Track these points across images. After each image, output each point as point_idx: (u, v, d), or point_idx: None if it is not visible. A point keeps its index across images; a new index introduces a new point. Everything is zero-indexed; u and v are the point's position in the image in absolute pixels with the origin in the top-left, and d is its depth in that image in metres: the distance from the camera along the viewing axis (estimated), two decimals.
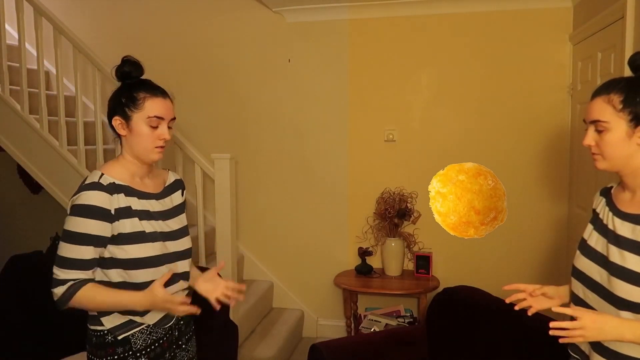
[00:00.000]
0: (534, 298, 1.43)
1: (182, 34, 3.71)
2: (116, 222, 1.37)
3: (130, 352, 1.41)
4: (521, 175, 3.27)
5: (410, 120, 3.41)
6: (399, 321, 3.23)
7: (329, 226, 3.59)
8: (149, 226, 1.43)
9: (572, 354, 1.35)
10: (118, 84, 1.50)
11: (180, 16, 3.70)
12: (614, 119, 1.18)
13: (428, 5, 3.28)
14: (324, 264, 3.61)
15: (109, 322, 1.41)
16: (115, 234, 1.37)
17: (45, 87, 3.07)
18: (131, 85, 1.44)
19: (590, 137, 1.24)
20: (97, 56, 3.00)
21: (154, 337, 1.46)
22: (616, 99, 1.18)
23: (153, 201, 1.49)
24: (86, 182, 1.38)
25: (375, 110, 3.45)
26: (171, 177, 1.62)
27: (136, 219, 1.40)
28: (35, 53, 3.09)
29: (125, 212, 1.39)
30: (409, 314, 3.35)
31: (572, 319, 1.15)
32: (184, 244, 1.53)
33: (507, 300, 1.47)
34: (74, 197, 1.36)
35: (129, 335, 1.41)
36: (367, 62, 3.44)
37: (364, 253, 3.40)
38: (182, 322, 1.60)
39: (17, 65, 3.11)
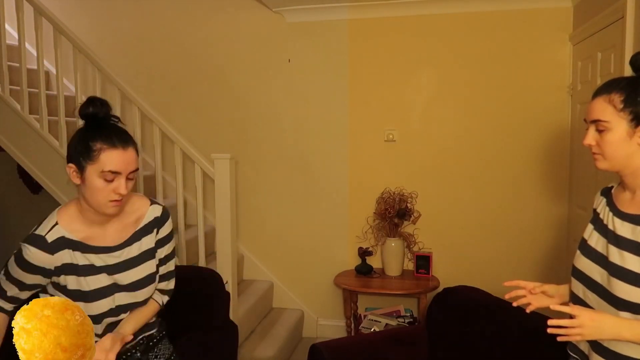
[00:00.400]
0: (534, 296, 1.43)
1: (182, 34, 3.71)
2: (55, 278, 1.36)
3: None
4: (521, 175, 3.28)
5: (410, 120, 3.41)
6: (399, 321, 3.23)
7: (329, 226, 3.59)
8: (95, 282, 1.37)
9: (571, 354, 1.35)
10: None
11: (180, 16, 3.70)
12: (614, 118, 1.18)
13: (428, 5, 3.28)
14: (324, 264, 3.61)
15: None
16: (59, 284, 1.37)
17: (45, 87, 3.07)
18: (91, 130, 1.30)
19: (590, 137, 1.23)
20: (97, 56, 3.01)
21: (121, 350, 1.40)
22: (617, 98, 1.18)
23: (110, 254, 1.40)
24: (36, 232, 1.34)
25: (375, 110, 3.45)
26: (150, 215, 1.47)
27: (82, 278, 1.36)
28: (35, 53, 3.09)
29: (70, 269, 1.35)
30: (409, 314, 3.35)
31: (571, 317, 1.15)
32: (139, 296, 1.44)
33: (507, 296, 1.47)
34: (22, 242, 1.34)
35: None
36: (367, 62, 3.44)
37: (364, 253, 3.40)
38: (142, 342, 1.55)
39: (17, 65, 3.10)
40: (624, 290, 1.14)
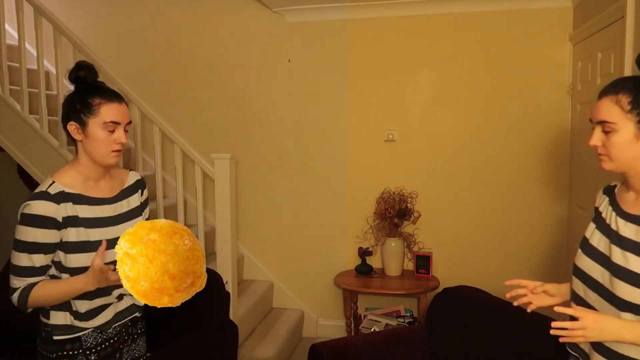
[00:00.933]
0: (535, 295, 1.42)
1: (182, 34, 3.71)
2: (63, 230, 1.38)
3: (80, 350, 1.42)
4: (521, 175, 3.28)
5: (410, 120, 3.41)
6: (399, 321, 3.23)
7: (329, 226, 3.59)
8: (96, 234, 1.42)
9: (572, 352, 1.35)
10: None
11: (180, 16, 3.70)
12: (621, 120, 1.15)
13: (428, 5, 3.28)
14: (324, 264, 3.61)
15: (53, 318, 1.42)
16: (63, 241, 1.38)
17: (45, 87, 3.07)
18: (85, 90, 1.41)
19: (596, 138, 1.20)
20: (97, 56, 3.00)
21: (105, 337, 1.47)
22: (624, 99, 1.15)
23: (105, 206, 1.48)
24: (35, 191, 1.39)
25: (375, 110, 3.45)
26: (131, 178, 1.60)
27: (82, 228, 1.40)
28: (35, 53, 3.09)
29: (72, 221, 1.39)
30: (409, 314, 3.35)
31: (573, 318, 1.15)
32: None
33: (507, 295, 1.47)
34: (22, 206, 1.37)
35: (72, 336, 1.42)
36: (367, 62, 3.44)
37: (364, 253, 3.40)
38: (130, 323, 1.59)
39: (17, 65, 3.10)
40: (626, 291, 1.13)
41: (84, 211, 1.42)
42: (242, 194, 3.67)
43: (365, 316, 3.32)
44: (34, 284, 1.36)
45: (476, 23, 3.27)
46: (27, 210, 1.36)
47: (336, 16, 3.43)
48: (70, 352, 1.41)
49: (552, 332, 1.15)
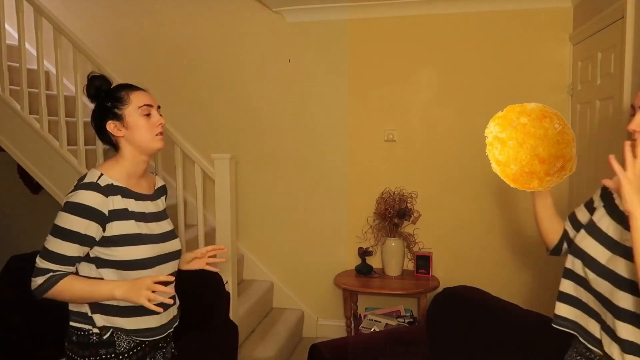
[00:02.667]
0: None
1: (183, 34, 3.71)
2: (109, 224, 1.37)
3: (113, 355, 1.41)
4: None
5: (410, 120, 3.41)
6: (399, 321, 3.23)
7: (329, 226, 3.59)
8: (145, 228, 1.45)
9: (583, 342, 1.32)
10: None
11: (180, 16, 3.70)
12: None
13: (428, 5, 3.28)
14: (324, 264, 3.61)
15: (96, 321, 1.40)
16: (109, 235, 1.38)
17: (45, 87, 3.07)
18: (107, 92, 1.46)
19: (636, 122, 1.22)
20: (97, 56, 3.00)
21: (138, 341, 1.46)
22: None
23: (148, 202, 1.52)
24: (84, 181, 1.39)
25: (375, 110, 3.45)
26: (159, 182, 1.65)
27: (133, 221, 1.42)
28: (35, 53, 3.09)
29: (122, 214, 1.40)
30: (409, 314, 3.35)
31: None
32: (174, 245, 1.56)
33: None
34: (70, 194, 1.37)
35: (113, 336, 1.41)
36: (367, 62, 3.44)
37: (364, 253, 3.40)
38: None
39: (17, 65, 3.10)
40: (627, 268, 1.15)
41: (133, 205, 1.44)
42: (242, 194, 3.67)
43: (365, 316, 3.32)
44: (62, 276, 1.35)
45: (476, 23, 3.27)
46: (73, 199, 1.35)
47: (336, 16, 3.43)
48: (105, 357, 1.40)
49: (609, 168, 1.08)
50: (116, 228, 1.38)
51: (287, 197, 3.64)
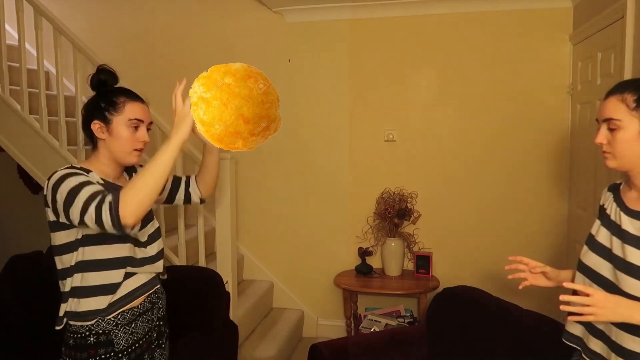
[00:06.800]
0: (533, 274, 1.47)
1: (182, 34, 3.71)
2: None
3: (112, 353, 1.41)
4: (521, 175, 3.28)
5: (410, 120, 3.41)
6: (399, 321, 3.23)
7: (329, 226, 3.59)
8: None
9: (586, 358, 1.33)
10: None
11: (180, 16, 3.70)
12: (626, 117, 1.19)
13: (428, 5, 3.28)
14: (324, 264, 3.61)
15: (85, 305, 1.39)
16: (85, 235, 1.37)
17: (45, 87, 3.07)
18: (108, 92, 1.45)
19: (602, 135, 1.24)
20: (97, 56, 3.00)
21: (135, 338, 1.47)
22: (630, 98, 1.20)
23: None
24: (63, 167, 1.38)
25: (375, 110, 3.45)
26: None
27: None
28: (35, 53, 3.09)
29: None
30: (409, 314, 3.35)
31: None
32: (153, 248, 1.55)
33: (506, 268, 1.51)
34: (53, 175, 1.34)
35: (110, 334, 1.42)
36: (367, 62, 3.44)
37: (364, 253, 3.40)
38: (160, 323, 1.61)
39: (17, 65, 3.10)
40: (630, 285, 1.16)
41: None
42: (242, 194, 3.67)
43: (365, 316, 3.32)
44: (107, 194, 1.24)
45: (476, 23, 3.27)
46: (59, 174, 1.32)
47: (336, 16, 3.43)
48: (104, 356, 1.40)
49: (561, 307, 1.17)
50: None
51: (287, 197, 3.64)
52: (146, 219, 1.54)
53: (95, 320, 1.40)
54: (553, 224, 3.25)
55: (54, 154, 3.01)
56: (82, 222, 1.24)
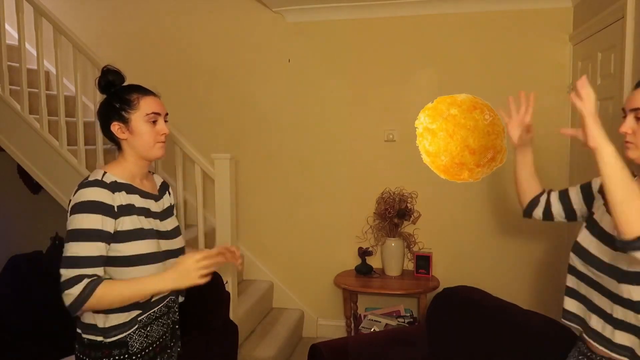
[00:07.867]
0: (518, 119, 1.68)
1: (183, 34, 3.71)
2: (118, 220, 1.37)
3: (127, 355, 1.41)
4: None
5: (410, 120, 3.40)
6: (399, 321, 3.23)
7: (329, 226, 3.59)
8: (147, 223, 1.45)
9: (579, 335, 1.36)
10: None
11: (180, 16, 3.70)
12: None
13: (428, 5, 3.28)
14: (324, 264, 3.61)
15: (109, 320, 1.39)
16: (119, 230, 1.37)
17: (45, 87, 3.07)
18: (119, 91, 1.46)
19: (627, 125, 1.25)
20: (97, 56, 3.00)
21: (150, 340, 1.47)
22: None
23: (152, 201, 1.52)
24: (87, 180, 1.38)
25: (375, 110, 3.45)
26: (158, 180, 1.65)
27: (135, 216, 1.42)
28: (35, 53, 3.09)
29: (126, 210, 1.40)
30: (409, 314, 3.35)
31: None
32: (176, 243, 1.57)
33: (510, 100, 1.61)
34: (74, 196, 1.36)
35: (126, 337, 1.41)
36: (367, 62, 3.44)
37: (364, 253, 3.40)
38: (176, 327, 1.62)
39: (17, 65, 3.10)
40: (628, 260, 1.17)
41: (138, 201, 1.45)
42: (242, 194, 3.67)
43: (365, 316, 3.32)
44: (98, 281, 1.28)
45: (476, 23, 3.27)
46: (80, 198, 1.33)
47: (336, 16, 3.43)
48: (118, 357, 1.39)
49: (561, 131, 1.18)
50: (121, 224, 1.38)
51: (287, 197, 3.64)
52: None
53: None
54: (553, 223, 3.24)
55: (54, 154, 3.01)
56: (59, 268, 1.30)
